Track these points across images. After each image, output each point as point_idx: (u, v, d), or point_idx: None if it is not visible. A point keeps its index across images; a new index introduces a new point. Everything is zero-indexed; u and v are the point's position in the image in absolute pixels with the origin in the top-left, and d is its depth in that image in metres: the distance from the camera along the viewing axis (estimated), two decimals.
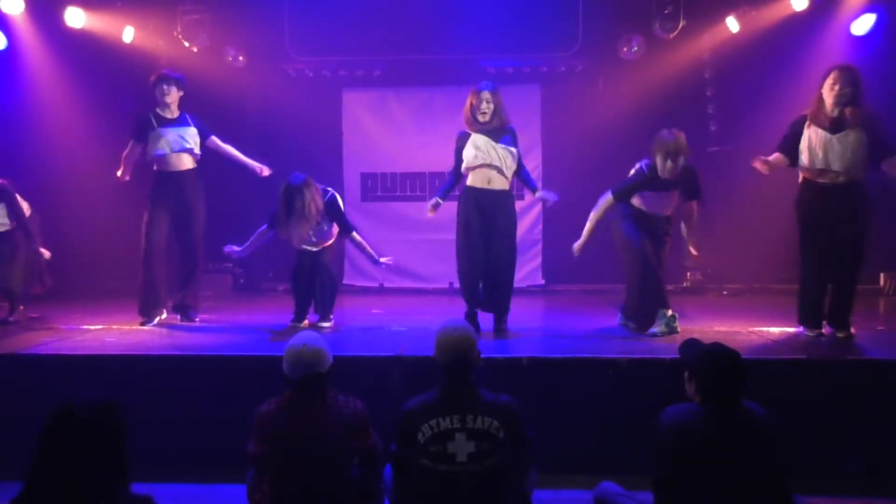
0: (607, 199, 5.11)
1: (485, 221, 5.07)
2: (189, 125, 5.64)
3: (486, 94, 5.03)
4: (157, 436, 3.82)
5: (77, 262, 7.93)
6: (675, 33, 7.73)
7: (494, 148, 5.02)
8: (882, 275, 7.86)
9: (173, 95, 5.60)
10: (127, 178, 5.74)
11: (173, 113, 5.63)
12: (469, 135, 5.08)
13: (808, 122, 4.79)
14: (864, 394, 3.99)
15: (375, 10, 7.98)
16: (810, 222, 4.83)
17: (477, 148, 5.02)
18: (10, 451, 3.22)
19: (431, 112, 8.63)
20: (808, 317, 4.91)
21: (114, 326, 5.41)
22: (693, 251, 5.31)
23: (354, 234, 5.36)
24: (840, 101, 4.67)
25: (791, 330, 5.05)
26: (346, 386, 3.13)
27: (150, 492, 2.24)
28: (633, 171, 5.16)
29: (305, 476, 2.82)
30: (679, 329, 4.95)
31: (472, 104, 5.07)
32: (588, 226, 5.14)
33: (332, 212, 5.20)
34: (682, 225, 5.35)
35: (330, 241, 5.37)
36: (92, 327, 5.37)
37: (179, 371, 4.26)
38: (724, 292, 7.96)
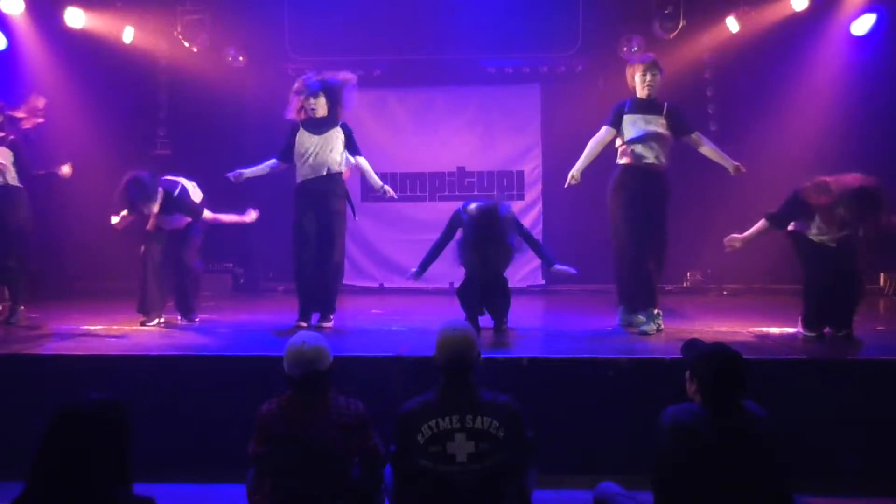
0: (604, 131, 5.22)
1: (486, 249, 5.07)
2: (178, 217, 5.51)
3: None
4: (157, 436, 3.82)
5: (77, 263, 7.95)
6: (675, 33, 7.73)
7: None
8: (882, 275, 7.87)
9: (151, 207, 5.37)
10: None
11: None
12: (462, 218, 5.05)
13: (813, 215, 4.73)
14: (864, 394, 3.99)
15: (375, 10, 7.98)
16: (808, 254, 4.88)
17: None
18: (11, 451, 3.22)
19: (431, 112, 8.64)
20: (810, 324, 4.91)
21: (114, 326, 5.41)
22: (734, 167, 5.12)
23: (362, 157, 5.42)
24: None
25: (791, 330, 5.05)
26: (346, 386, 3.12)
27: (150, 492, 2.24)
28: None
29: (306, 476, 2.82)
30: (663, 327, 5.07)
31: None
32: (585, 153, 5.23)
33: (348, 133, 5.30)
34: (716, 157, 5.19)
35: (340, 172, 5.30)
36: (92, 327, 5.37)
37: (179, 371, 4.26)
38: (724, 292, 7.96)
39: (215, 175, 5.89)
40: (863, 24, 7.47)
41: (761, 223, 4.97)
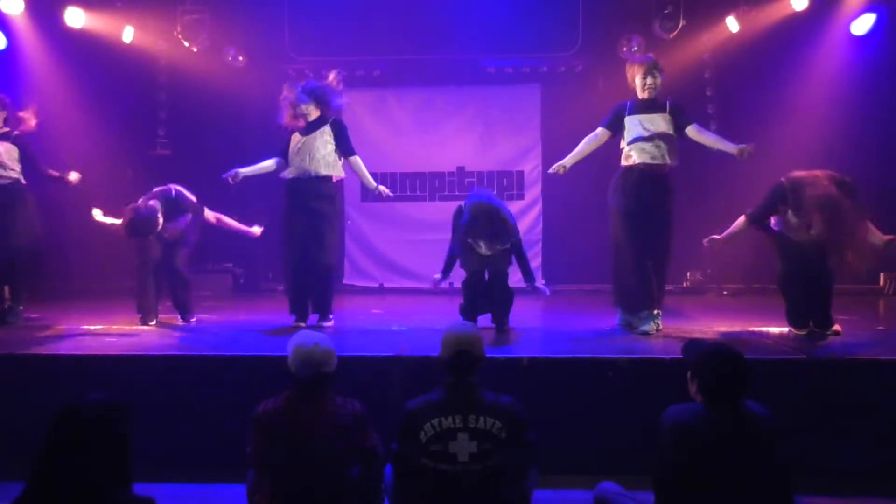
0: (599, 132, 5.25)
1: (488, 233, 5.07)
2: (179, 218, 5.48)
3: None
4: (158, 436, 3.82)
5: (77, 262, 7.94)
6: (675, 33, 7.73)
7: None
8: (882, 275, 7.87)
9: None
10: None
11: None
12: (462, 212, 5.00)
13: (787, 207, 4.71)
14: (864, 394, 3.99)
15: (376, 10, 7.99)
16: (789, 253, 4.86)
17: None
18: (11, 451, 3.22)
19: (431, 112, 8.64)
20: (795, 320, 4.96)
21: (114, 326, 5.41)
22: (738, 150, 4.93)
23: (356, 157, 5.41)
24: None
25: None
26: (346, 386, 3.13)
27: (150, 492, 2.24)
28: None
29: (305, 476, 2.82)
30: (663, 327, 5.07)
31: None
32: (575, 150, 5.31)
33: (337, 130, 5.31)
34: (718, 145, 5.06)
35: (334, 176, 5.32)
36: (92, 327, 5.37)
37: (179, 371, 4.26)
38: (724, 292, 7.96)
39: (215, 175, 5.89)
40: (863, 24, 7.48)
41: (740, 220, 4.98)
